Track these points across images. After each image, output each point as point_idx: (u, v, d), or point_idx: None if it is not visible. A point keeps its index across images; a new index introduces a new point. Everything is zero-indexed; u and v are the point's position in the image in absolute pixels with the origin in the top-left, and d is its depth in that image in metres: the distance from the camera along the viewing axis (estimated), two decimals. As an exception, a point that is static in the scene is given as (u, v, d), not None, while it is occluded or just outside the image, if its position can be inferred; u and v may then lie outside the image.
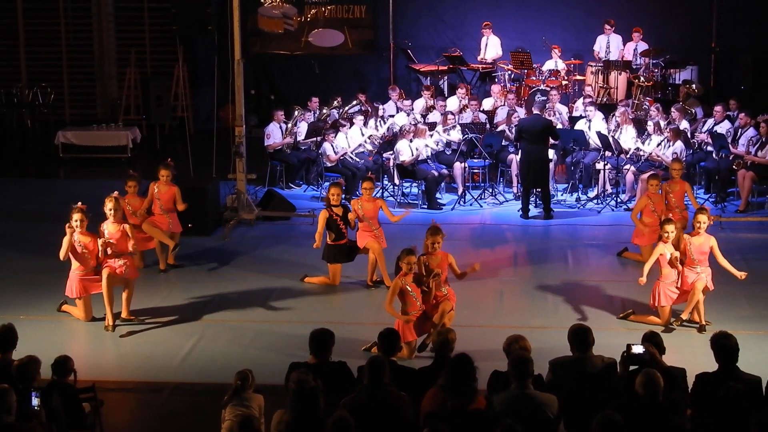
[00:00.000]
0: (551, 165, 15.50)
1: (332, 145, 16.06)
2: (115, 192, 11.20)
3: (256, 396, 7.38)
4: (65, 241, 10.43)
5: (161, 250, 12.51)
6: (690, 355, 9.32)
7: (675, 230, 10.53)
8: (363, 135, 16.55)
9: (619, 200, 15.42)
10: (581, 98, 17.82)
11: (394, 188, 16.14)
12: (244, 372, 7.40)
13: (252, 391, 7.38)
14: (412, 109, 17.54)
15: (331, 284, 11.94)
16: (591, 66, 19.61)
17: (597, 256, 13.34)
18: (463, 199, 15.74)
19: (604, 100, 19.00)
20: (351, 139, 16.35)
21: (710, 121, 16.52)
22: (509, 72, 19.72)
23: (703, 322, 10.35)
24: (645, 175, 14.22)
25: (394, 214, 12.44)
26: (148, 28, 22.25)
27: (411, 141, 15.57)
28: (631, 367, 7.18)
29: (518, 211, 15.15)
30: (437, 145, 16.21)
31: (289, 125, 16.85)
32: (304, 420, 6.35)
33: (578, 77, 19.75)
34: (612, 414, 6.14)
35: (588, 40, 20.16)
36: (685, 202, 12.88)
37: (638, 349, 7.24)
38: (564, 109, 17.53)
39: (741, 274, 10.58)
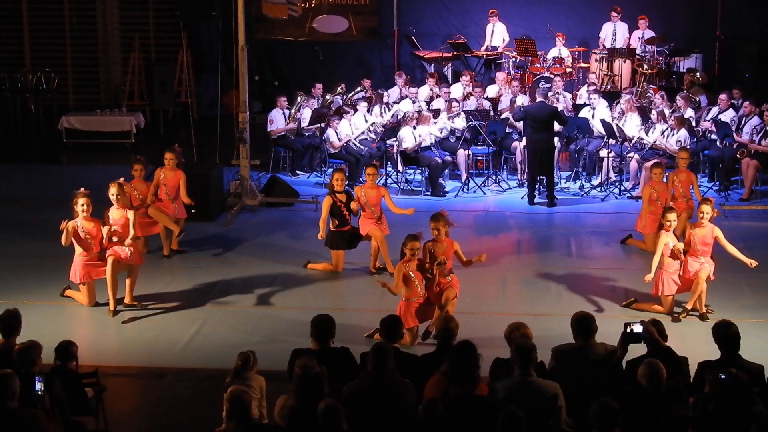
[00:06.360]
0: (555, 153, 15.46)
1: (336, 132, 16.04)
2: (121, 178, 11.20)
3: (257, 377, 7.36)
4: (69, 227, 10.42)
5: (165, 236, 12.51)
6: (693, 343, 9.32)
7: (676, 219, 10.52)
8: (366, 122, 16.53)
9: (622, 188, 15.41)
10: (585, 86, 17.79)
11: (397, 175, 16.14)
12: (246, 353, 7.37)
13: (254, 372, 7.37)
14: (417, 96, 17.51)
15: (333, 271, 11.94)
16: (595, 53, 19.58)
17: (600, 244, 13.33)
18: (466, 186, 15.73)
19: (609, 87, 18.97)
20: (354, 126, 16.33)
21: (714, 110, 16.49)
22: (514, 59, 19.69)
23: (704, 310, 10.34)
24: (648, 164, 14.20)
25: (398, 206, 12.12)
26: (153, 14, 22.22)
27: (414, 128, 15.55)
28: (630, 347, 7.24)
29: (522, 198, 15.18)
30: (441, 132, 16.19)
31: (293, 111, 16.82)
32: (308, 406, 6.35)
33: (583, 65, 19.71)
34: (608, 401, 6.14)
35: (593, 27, 20.12)
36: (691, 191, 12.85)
37: (638, 328, 7.27)
38: (568, 97, 17.50)
39: (751, 262, 10.56)
